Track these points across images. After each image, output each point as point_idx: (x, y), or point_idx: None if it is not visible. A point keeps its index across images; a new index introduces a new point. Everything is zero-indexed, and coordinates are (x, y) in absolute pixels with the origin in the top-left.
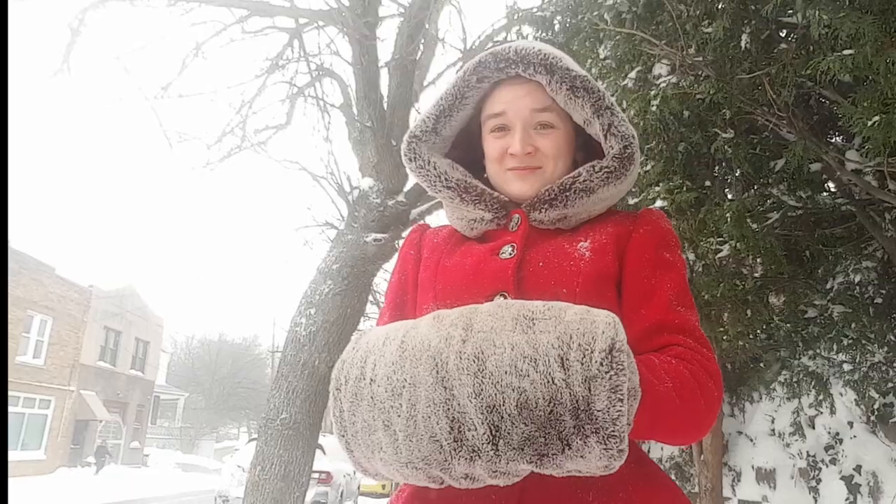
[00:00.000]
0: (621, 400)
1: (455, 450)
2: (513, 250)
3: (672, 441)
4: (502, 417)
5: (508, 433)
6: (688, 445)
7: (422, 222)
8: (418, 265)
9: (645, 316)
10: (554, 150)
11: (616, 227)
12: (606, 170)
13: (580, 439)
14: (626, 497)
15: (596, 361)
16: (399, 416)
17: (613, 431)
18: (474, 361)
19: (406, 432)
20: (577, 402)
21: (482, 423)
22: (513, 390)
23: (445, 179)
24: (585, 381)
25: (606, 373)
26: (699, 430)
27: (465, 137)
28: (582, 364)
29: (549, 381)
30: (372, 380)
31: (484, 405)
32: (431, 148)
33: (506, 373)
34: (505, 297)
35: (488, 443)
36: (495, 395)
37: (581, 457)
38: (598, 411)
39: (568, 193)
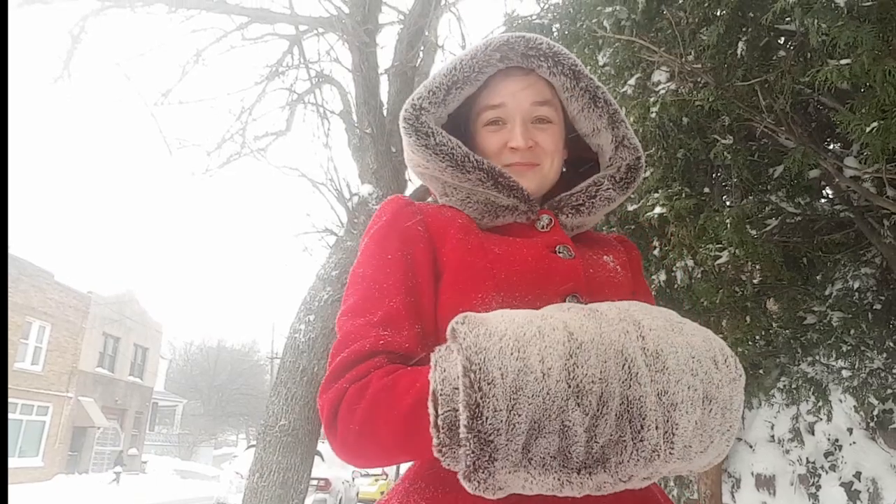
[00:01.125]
0: (743, 401)
1: (637, 450)
2: (569, 251)
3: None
4: (682, 415)
5: (684, 431)
6: None
7: (399, 195)
8: (431, 245)
9: None
10: (552, 145)
11: (614, 247)
12: (625, 181)
13: (720, 436)
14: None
15: (734, 365)
16: (587, 414)
17: (736, 430)
18: (657, 359)
19: (591, 433)
20: (725, 401)
21: (666, 422)
22: (689, 388)
23: (476, 160)
24: (731, 381)
25: (741, 376)
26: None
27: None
28: (727, 366)
29: (710, 381)
30: (545, 374)
31: (669, 402)
32: (437, 122)
33: (683, 371)
34: (577, 299)
35: (666, 442)
36: (677, 392)
37: (711, 454)
38: (735, 410)
39: (594, 201)
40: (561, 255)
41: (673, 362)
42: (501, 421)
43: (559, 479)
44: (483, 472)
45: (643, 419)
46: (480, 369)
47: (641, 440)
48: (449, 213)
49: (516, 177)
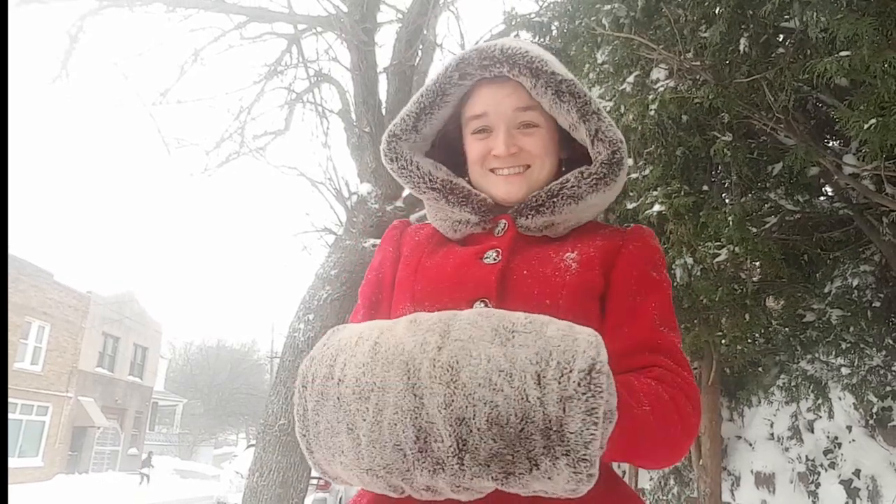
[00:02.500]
0: (596, 423)
1: (419, 460)
2: (497, 256)
3: (646, 464)
4: (471, 431)
5: (476, 448)
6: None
7: (402, 219)
8: (396, 264)
9: (627, 335)
10: (540, 149)
11: (605, 241)
12: (595, 176)
13: (549, 460)
14: None
15: (573, 381)
16: (364, 420)
17: (585, 455)
18: (448, 371)
19: (370, 437)
20: (549, 422)
21: (449, 436)
22: (484, 404)
23: (430, 180)
24: (561, 400)
25: (583, 394)
26: (675, 455)
27: (444, 138)
28: (559, 383)
29: (523, 398)
30: (340, 380)
31: (453, 417)
32: (413, 147)
33: (479, 385)
34: (486, 305)
35: (454, 456)
36: (466, 407)
37: (549, 478)
38: (571, 433)
39: (555, 200)
40: (487, 260)
41: (467, 375)
42: (309, 419)
43: (358, 477)
44: (311, 458)
45: (418, 430)
46: (304, 375)
47: (421, 451)
48: (424, 231)
49: (504, 183)
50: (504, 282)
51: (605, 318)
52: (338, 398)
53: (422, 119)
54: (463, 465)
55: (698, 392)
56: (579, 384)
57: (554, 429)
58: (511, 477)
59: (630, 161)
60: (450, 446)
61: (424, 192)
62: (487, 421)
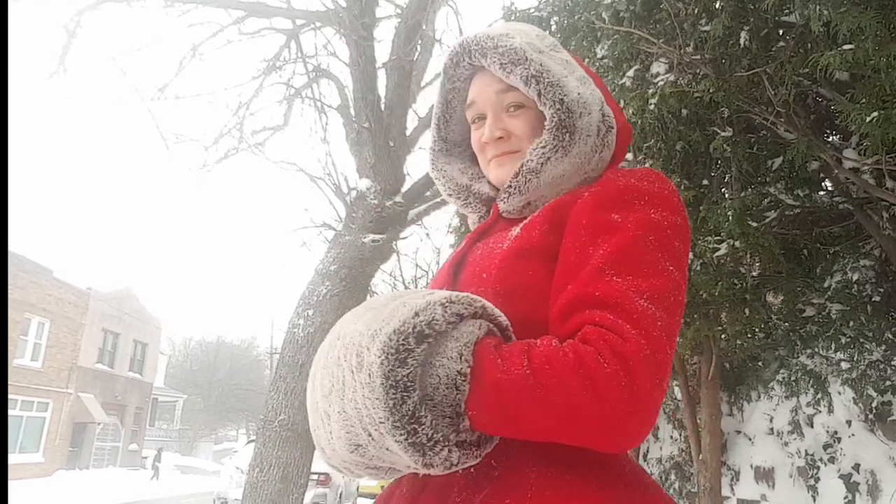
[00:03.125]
0: (395, 388)
1: (318, 437)
2: (462, 245)
3: (573, 440)
4: (330, 405)
5: (334, 421)
6: (686, 444)
7: None
8: None
9: (568, 292)
10: (526, 129)
11: (567, 196)
12: (541, 146)
13: (375, 429)
14: (513, 502)
15: (376, 347)
16: (308, 408)
17: (396, 421)
18: (323, 355)
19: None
20: (363, 389)
21: (323, 412)
22: (335, 380)
23: (447, 186)
24: (367, 367)
25: (379, 357)
26: (593, 424)
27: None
28: (367, 350)
29: (350, 369)
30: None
31: (322, 394)
32: (460, 155)
33: (332, 363)
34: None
35: (327, 431)
36: (327, 384)
37: (387, 449)
38: (377, 399)
39: (518, 177)
40: (455, 249)
41: (331, 356)
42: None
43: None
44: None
45: (314, 411)
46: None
47: (316, 429)
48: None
49: (496, 167)
50: (460, 266)
51: (554, 278)
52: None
53: (441, 128)
54: (331, 437)
55: (646, 348)
56: (380, 349)
57: (367, 396)
58: (360, 448)
59: (629, 156)
60: (324, 421)
61: (450, 197)
62: (335, 395)
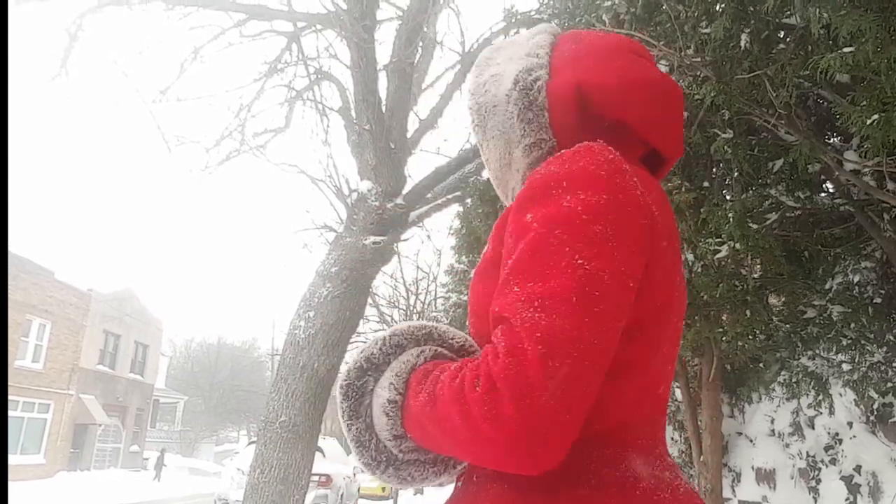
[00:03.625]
0: (343, 416)
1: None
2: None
3: (476, 462)
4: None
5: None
6: (687, 446)
7: None
8: None
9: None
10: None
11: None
12: (473, 140)
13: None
14: None
15: (338, 384)
16: None
17: (351, 442)
18: None
19: None
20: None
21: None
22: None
23: None
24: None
25: (338, 391)
26: (478, 450)
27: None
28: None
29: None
30: None
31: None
32: None
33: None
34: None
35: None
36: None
37: (365, 465)
38: (343, 426)
39: (492, 183)
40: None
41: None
42: None
43: None
44: None
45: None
46: None
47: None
48: None
49: None
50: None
51: None
52: None
53: None
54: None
55: (511, 367)
56: (339, 385)
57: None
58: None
59: None
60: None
61: None
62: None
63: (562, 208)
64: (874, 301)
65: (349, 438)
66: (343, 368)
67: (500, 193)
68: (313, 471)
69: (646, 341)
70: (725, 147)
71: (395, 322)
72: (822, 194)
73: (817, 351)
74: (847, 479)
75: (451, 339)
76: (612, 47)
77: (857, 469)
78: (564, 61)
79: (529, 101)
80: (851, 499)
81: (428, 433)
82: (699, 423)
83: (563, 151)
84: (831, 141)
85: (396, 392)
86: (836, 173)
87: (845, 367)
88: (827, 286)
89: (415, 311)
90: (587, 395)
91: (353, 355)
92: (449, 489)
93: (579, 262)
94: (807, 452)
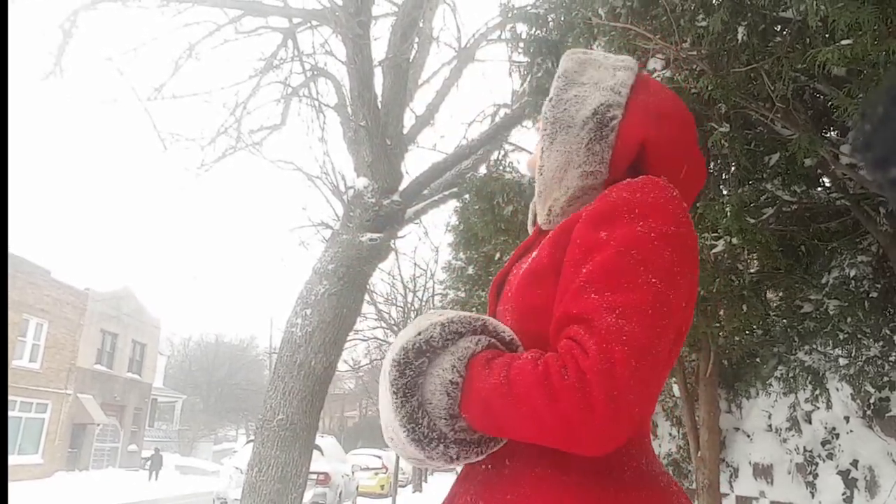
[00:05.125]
0: (396, 393)
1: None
2: (505, 264)
3: (542, 442)
4: (381, 406)
5: (386, 420)
6: (684, 442)
7: None
8: None
9: (558, 310)
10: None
11: (574, 215)
12: (539, 143)
13: (391, 427)
14: (513, 498)
15: (388, 359)
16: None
17: (399, 420)
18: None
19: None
20: (382, 394)
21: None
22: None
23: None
24: (383, 376)
25: (388, 368)
26: (557, 431)
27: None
28: (384, 363)
29: (380, 379)
30: None
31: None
32: None
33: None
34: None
35: (387, 428)
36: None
37: (403, 442)
38: (386, 402)
39: (538, 185)
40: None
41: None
42: None
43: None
44: None
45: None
46: None
47: (386, 427)
48: None
49: None
50: (502, 285)
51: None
52: None
53: None
54: (392, 440)
55: (603, 363)
56: (389, 361)
57: (382, 400)
58: (392, 442)
59: None
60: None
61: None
62: (383, 396)
63: (636, 232)
64: (870, 295)
65: (401, 415)
66: (396, 346)
67: (538, 199)
68: (311, 469)
69: (678, 349)
70: (723, 141)
71: (393, 320)
72: (819, 189)
73: (814, 346)
74: (844, 474)
75: (502, 332)
76: (674, 113)
77: (854, 464)
78: (638, 110)
79: (601, 135)
80: (848, 493)
81: (493, 413)
82: (696, 418)
83: (629, 181)
84: (828, 135)
85: (459, 374)
86: (833, 167)
87: (842, 361)
88: (823, 280)
89: (412, 308)
90: (654, 396)
91: (406, 336)
92: (443, 491)
93: (653, 280)
94: (804, 447)
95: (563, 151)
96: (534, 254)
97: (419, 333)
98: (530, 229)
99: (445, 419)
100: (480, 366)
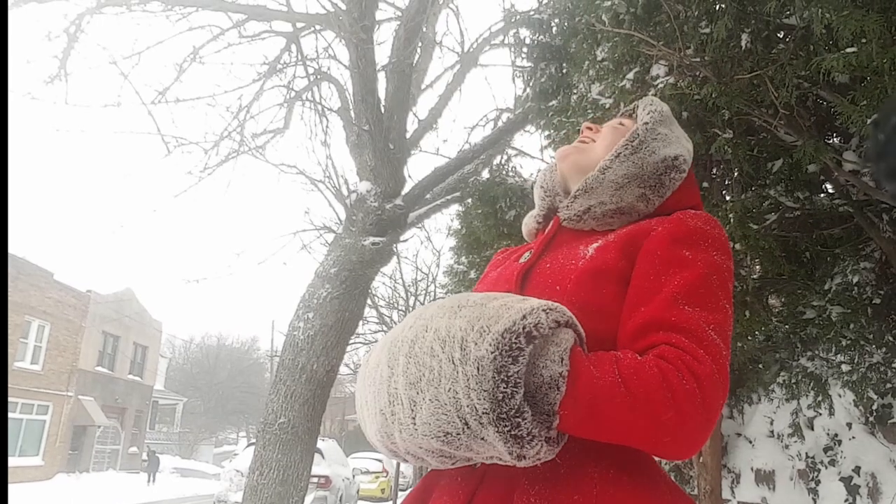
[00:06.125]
0: (506, 382)
1: (391, 422)
2: (529, 255)
3: (646, 445)
4: (418, 393)
5: (422, 408)
6: None
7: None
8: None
9: (642, 313)
10: (609, 133)
11: (640, 226)
12: (615, 148)
13: (475, 420)
14: (581, 498)
15: (487, 342)
16: (368, 392)
17: (501, 413)
18: (408, 343)
19: (368, 407)
20: (468, 381)
21: (406, 399)
22: (427, 369)
23: (546, 181)
24: (475, 360)
25: (491, 353)
26: (664, 435)
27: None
28: (476, 345)
29: (449, 361)
30: (367, 363)
31: (408, 381)
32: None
33: (424, 353)
34: None
35: (409, 417)
36: (415, 372)
37: (482, 439)
38: (485, 391)
39: (589, 177)
40: (521, 260)
41: (419, 346)
42: (357, 398)
43: (373, 444)
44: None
45: (390, 396)
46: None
47: (393, 413)
48: (517, 251)
49: (566, 156)
50: (528, 276)
51: (626, 299)
52: (363, 378)
53: None
54: (415, 424)
55: (716, 373)
56: (492, 345)
57: (472, 387)
58: (449, 437)
59: None
60: (407, 407)
61: (540, 189)
62: (427, 383)
63: (714, 259)
64: (873, 302)
65: (506, 408)
66: (495, 326)
67: (582, 193)
68: (312, 472)
69: None
70: (726, 147)
71: (395, 323)
72: (822, 195)
73: (817, 352)
74: (846, 481)
75: (580, 327)
76: (697, 187)
77: (857, 470)
78: (692, 179)
79: (670, 177)
80: (850, 500)
81: (599, 411)
82: None
83: (697, 212)
84: (831, 141)
85: (566, 368)
86: (836, 174)
87: (844, 367)
88: (826, 287)
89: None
90: None
91: (505, 315)
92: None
93: (726, 305)
94: (806, 453)
95: (637, 166)
96: (589, 251)
97: (524, 317)
98: (530, 222)
99: (547, 415)
100: (584, 360)
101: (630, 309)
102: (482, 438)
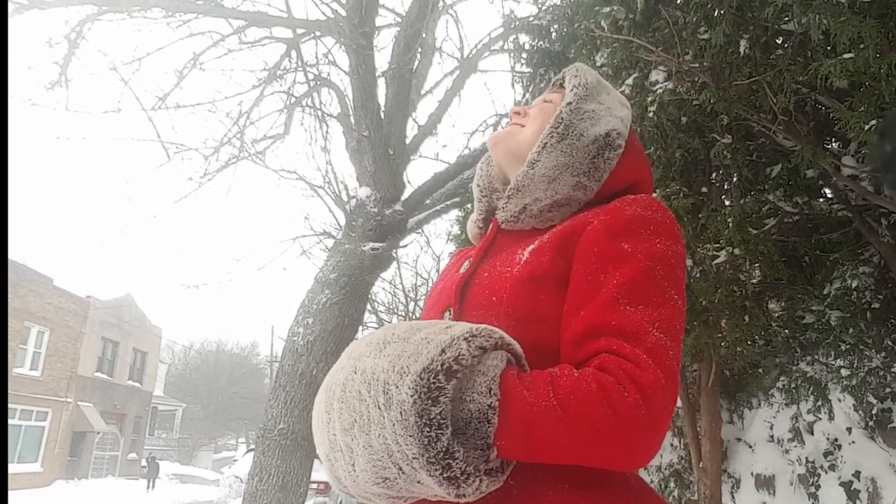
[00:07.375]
0: (429, 425)
1: (336, 468)
2: (468, 264)
3: (595, 462)
4: (353, 439)
5: (358, 455)
6: (686, 452)
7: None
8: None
9: (581, 319)
10: (538, 113)
11: (577, 221)
12: (541, 137)
13: (407, 464)
14: None
15: (406, 385)
16: (316, 438)
17: (430, 458)
18: (339, 388)
19: (320, 452)
20: (394, 426)
21: (344, 445)
22: (358, 415)
23: (482, 179)
24: (398, 405)
25: (411, 396)
26: (616, 450)
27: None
28: (397, 388)
29: (375, 406)
30: (316, 404)
31: (342, 428)
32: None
33: (353, 398)
34: (450, 314)
35: (349, 463)
36: (348, 418)
37: (418, 482)
38: (411, 437)
39: (519, 175)
40: (462, 271)
41: (349, 390)
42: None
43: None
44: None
45: (331, 443)
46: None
47: (336, 460)
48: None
49: (497, 142)
50: (466, 288)
51: (565, 304)
52: (314, 420)
53: None
54: (355, 470)
55: (661, 378)
56: (411, 388)
57: (398, 433)
58: (388, 482)
59: None
60: (345, 454)
61: (476, 188)
62: (360, 429)
63: (657, 248)
64: (872, 306)
65: (434, 451)
66: (413, 367)
67: (515, 192)
68: (312, 478)
69: None
70: (725, 152)
71: None
72: (820, 199)
73: (816, 356)
74: (846, 485)
75: (512, 345)
76: (649, 168)
77: (857, 475)
78: (633, 151)
79: (604, 158)
80: None
81: (536, 437)
82: (698, 429)
83: (636, 197)
84: (829, 146)
85: (496, 398)
86: (834, 178)
87: (844, 372)
88: (825, 291)
89: (413, 317)
90: None
91: (423, 352)
92: None
93: (675, 297)
94: (806, 458)
95: (567, 154)
96: (525, 255)
97: (443, 351)
98: (472, 226)
99: (481, 450)
100: (515, 386)
101: (569, 315)
102: (418, 482)
